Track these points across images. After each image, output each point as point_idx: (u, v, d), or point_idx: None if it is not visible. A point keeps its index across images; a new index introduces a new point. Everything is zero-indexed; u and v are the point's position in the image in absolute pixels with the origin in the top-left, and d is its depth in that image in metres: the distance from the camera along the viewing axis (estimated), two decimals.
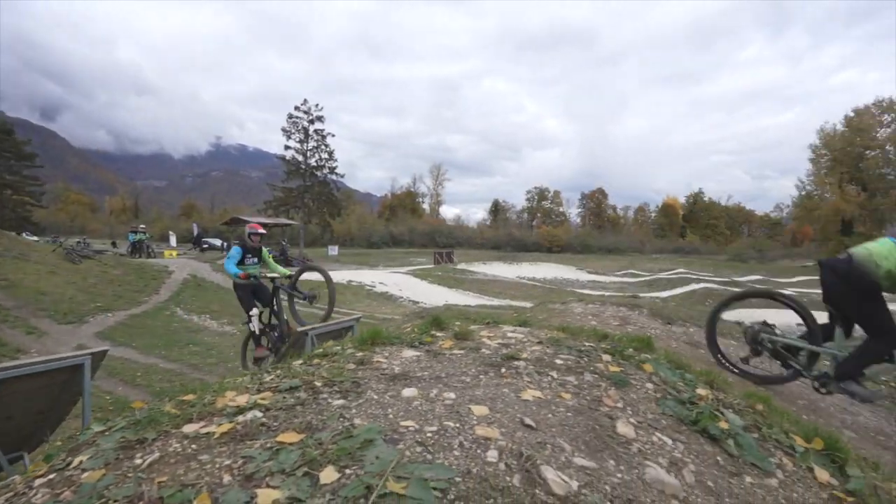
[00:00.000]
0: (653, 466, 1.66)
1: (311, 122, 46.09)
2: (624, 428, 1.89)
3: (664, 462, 1.74)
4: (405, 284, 25.91)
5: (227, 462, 1.36)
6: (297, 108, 45.96)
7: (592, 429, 1.81)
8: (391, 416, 1.65)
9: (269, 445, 1.43)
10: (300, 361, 2.51)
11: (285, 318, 5.40)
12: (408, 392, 1.86)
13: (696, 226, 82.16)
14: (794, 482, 2.01)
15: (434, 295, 23.59)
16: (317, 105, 46.25)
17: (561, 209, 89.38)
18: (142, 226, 28.55)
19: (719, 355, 3.96)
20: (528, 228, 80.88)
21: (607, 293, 25.67)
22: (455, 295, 24.76)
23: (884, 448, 4.37)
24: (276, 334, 5.37)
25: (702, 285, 29.74)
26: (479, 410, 1.75)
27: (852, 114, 48.85)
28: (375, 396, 1.82)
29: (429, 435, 1.51)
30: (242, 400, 1.79)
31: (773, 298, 3.75)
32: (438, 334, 2.91)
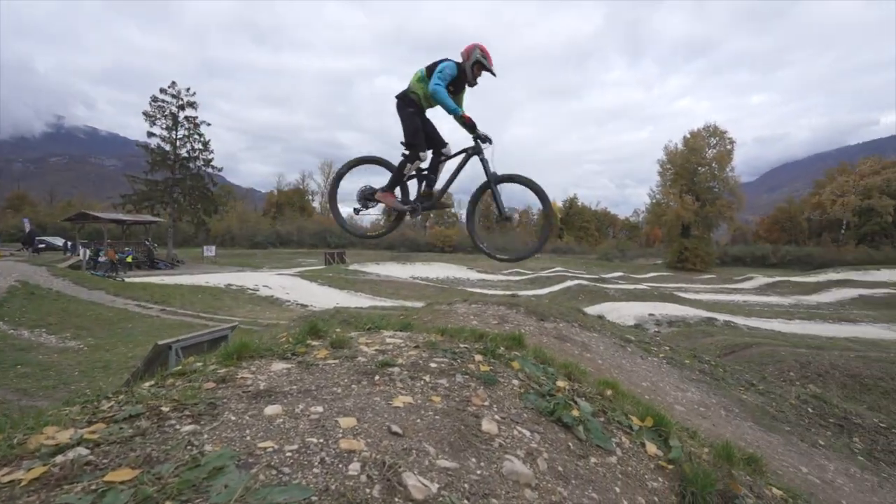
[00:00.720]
0: (510, 459, 1.80)
1: (182, 107, 41.10)
2: (488, 425, 2.02)
3: (521, 454, 1.89)
4: (293, 287, 24.56)
5: None
6: (163, 91, 40.62)
7: (458, 429, 1.90)
8: (249, 438, 1.55)
9: (93, 487, 1.25)
10: (150, 384, 2.23)
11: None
12: (271, 410, 1.76)
13: (571, 228, 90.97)
14: (630, 457, 2.33)
15: (324, 297, 22.74)
16: (188, 89, 41.33)
17: (453, 210, 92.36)
18: None
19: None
20: (422, 229, 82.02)
21: (495, 291, 27.18)
22: (346, 297, 24.15)
23: (703, 418, 5.29)
24: (422, 190, 3.79)
25: (575, 282, 33.05)
26: (347, 422, 1.72)
27: (689, 135, 58.50)
28: (234, 418, 1.69)
29: (288, 454, 1.45)
30: (65, 436, 1.53)
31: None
32: (314, 343, 2.81)
